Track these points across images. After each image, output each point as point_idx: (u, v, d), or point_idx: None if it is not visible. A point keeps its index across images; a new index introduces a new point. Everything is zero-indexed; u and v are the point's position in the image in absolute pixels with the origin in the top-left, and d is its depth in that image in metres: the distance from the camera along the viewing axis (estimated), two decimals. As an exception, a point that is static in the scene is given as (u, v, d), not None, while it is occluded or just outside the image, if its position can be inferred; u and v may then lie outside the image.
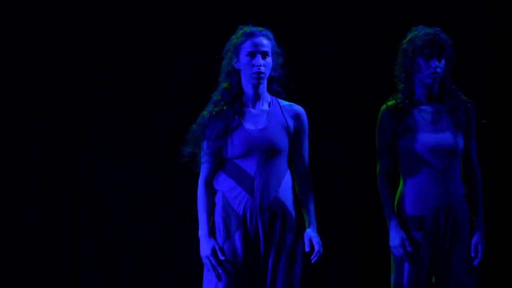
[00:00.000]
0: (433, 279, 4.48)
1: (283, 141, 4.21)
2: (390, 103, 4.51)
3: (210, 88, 4.44)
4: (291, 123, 4.27)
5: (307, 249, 4.22)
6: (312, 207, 4.32)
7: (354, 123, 6.25)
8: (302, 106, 4.41)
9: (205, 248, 4.21)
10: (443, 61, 4.44)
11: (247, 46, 4.20)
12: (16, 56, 6.17)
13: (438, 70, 4.45)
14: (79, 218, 6.26)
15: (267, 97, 4.25)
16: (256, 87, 4.20)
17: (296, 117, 4.30)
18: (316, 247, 4.22)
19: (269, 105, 4.28)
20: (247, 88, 4.21)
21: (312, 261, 4.22)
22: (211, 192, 4.25)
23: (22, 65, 6.22)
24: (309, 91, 6.21)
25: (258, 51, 4.18)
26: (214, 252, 4.18)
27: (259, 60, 4.18)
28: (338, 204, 6.32)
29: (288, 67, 4.37)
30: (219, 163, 4.26)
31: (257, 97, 4.22)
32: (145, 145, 6.28)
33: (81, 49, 6.24)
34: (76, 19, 6.29)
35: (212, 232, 4.23)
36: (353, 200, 6.31)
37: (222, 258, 4.16)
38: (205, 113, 4.27)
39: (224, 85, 4.25)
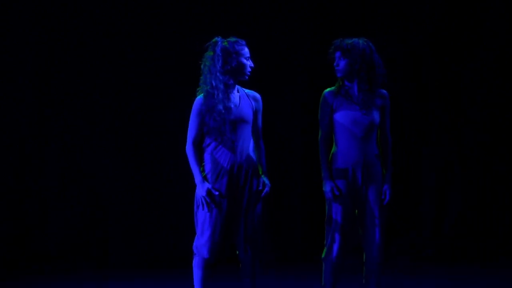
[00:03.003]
0: (356, 213, 5.18)
1: (250, 115, 5.03)
2: (329, 88, 5.16)
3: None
4: (253, 104, 5.07)
5: (260, 187, 5.03)
6: (264, 161, 5.12)
7: (303, 103, 6.94)
8: (262, 91, 5.16)
9: (201, 190, 4.94)
10: (343, 62, 5.06)
11: (246, 52, 4.97)
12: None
13: (336, 68, 5.09)
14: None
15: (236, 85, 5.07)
16: (239, 80, 4.99)
17: (256, 100, 5.09)
18: (266, 189, 5.04)
19: (238, 91, 5.05)
20: (233, 80, 4.96)
21: (261, 196, 5.03)
22: (197, 150, 4.96)
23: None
24: (270, 79, 6.76)
25: (250, 56, 5.04)
26: (209, 192, 4.93)
27: (252, 63, 5.02)
28: (292, 159, 6.97)
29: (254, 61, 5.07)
30: (202, 132, 4.96)
31: (234, 86, 5.04)
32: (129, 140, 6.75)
33: (65, 46, 6.60)
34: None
35: (205, 178, 4.96)
36: (300, 157, 6.98)
37: (216, 193, 4.89)
38: (200, 95, 4.95)
39: (220, 76, 4.90)
